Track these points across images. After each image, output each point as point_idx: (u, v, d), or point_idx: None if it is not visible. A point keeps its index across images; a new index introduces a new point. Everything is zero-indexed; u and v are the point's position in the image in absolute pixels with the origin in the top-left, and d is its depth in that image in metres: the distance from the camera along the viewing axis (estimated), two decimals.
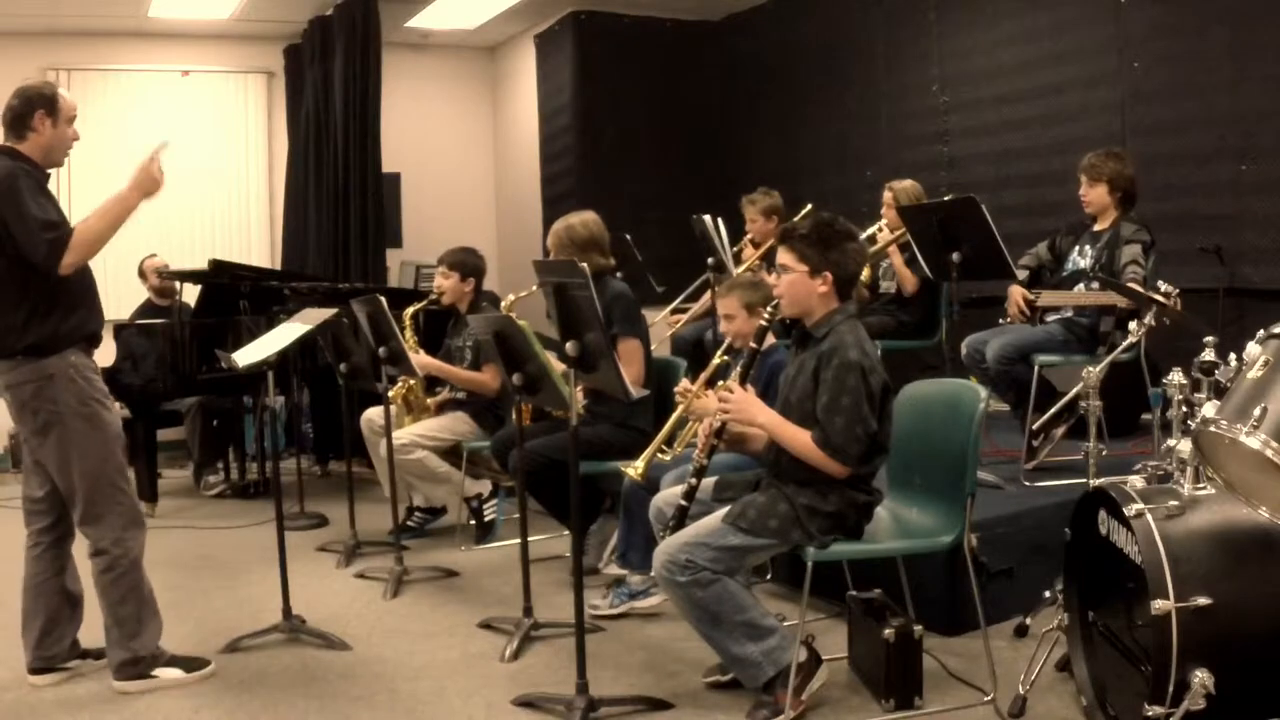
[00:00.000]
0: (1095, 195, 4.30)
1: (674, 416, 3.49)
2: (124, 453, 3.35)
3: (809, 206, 5.08)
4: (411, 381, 4.96)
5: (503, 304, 4.66)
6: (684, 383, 3.46)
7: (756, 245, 5.57)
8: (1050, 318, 4.33)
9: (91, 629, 3.40)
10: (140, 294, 6.78)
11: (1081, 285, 4.28)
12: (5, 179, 3.13)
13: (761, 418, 2.96)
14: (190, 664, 3.36)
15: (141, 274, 6.71)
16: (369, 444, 5.02)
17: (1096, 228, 4.34)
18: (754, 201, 5.67)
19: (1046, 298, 4.26)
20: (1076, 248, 4.38)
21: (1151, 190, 4.98)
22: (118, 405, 3.51)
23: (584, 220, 4.36)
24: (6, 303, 3.17)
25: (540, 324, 3.57)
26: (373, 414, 4.94)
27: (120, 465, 3.30)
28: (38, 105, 3.20)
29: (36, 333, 3.16)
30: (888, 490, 3.17)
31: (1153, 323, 3.17)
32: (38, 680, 3.32)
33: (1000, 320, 4.44)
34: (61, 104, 3.24)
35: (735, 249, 5.37)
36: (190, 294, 6.53)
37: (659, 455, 3.54)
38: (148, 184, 3.25)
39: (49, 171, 3.28)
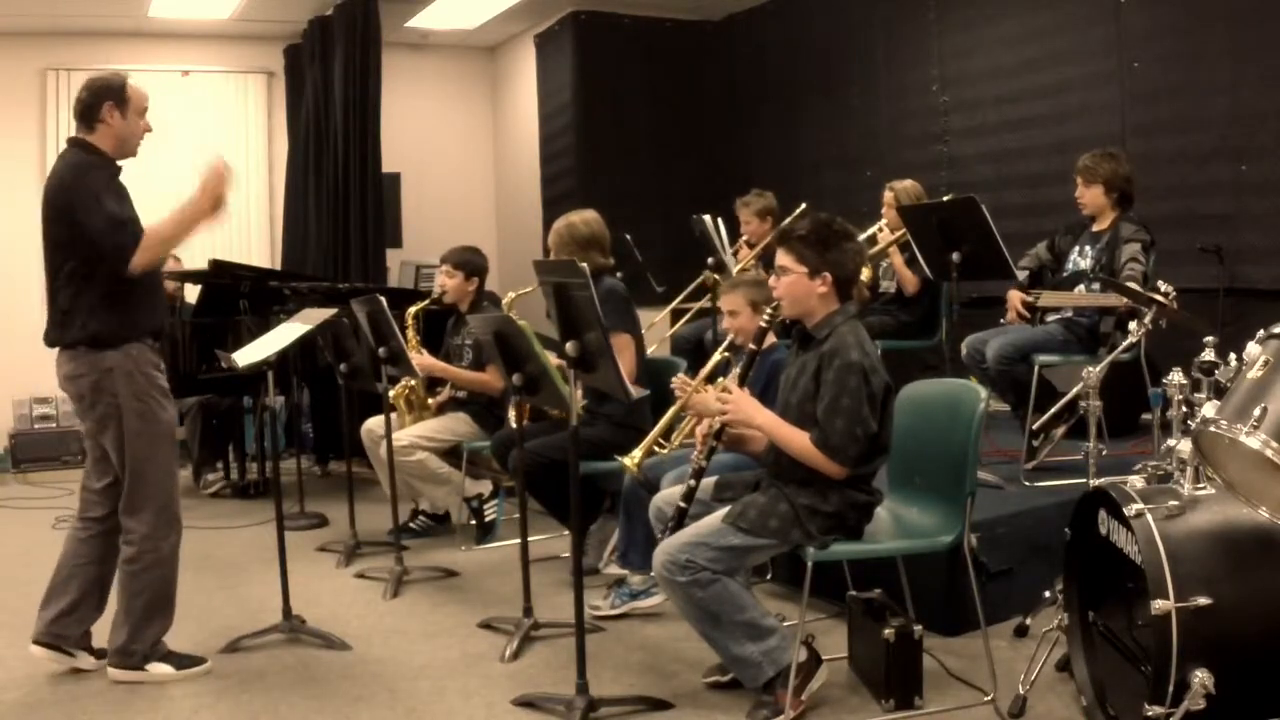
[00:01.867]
0: (1091, 196, 4.30)
1: (672, 410, 3.49)
2: (175, 451, 3.37)
3: (803, 206, 5.08)
4: (413, 381, 4.96)
5: (504, 302, 4.66)
6: (680, 376, 3.45)
7: (752, 247, 5.57)
8: (1050, 318, 4.33)
9: (104, 624, 3.40)
10: None
11: (1082, 286, 4.28)
12: (77, 174, 3.17)
13: (759, 419, 2.96)
14: (183, 661, 3.37)
15: None
16: (370, 453, 5.01)
17: (1095, 228, 4.34)
18: (748, 204, 5.68)
19: (1047, 298, 4.26)
20: (1076, 248, 4.38)
21: (1151, 190, 4.98)
22: None
23: (585, 219, 4.37)
24: (71, 295, 3.20)
25: (540, 324, 3.57)
26: (373, 424, 4.93)
27: (166, 464, 3.32)
28: (106, 97, 3.23)
29: (99, 325, 3.18)
30: (888, 490, 3.17)
31: (1150, 325, 3.17)
32: (37, 652, 3.33)
33: (1001, 320, 4.44)
34: (131, 95, 3.27)
35: (732, 250, 5.37)
36: (190, 294, 6.54)
37: (656, 449, 3.55)
38: (217, 189, 3.27)
39: (120, 164, 3.30)
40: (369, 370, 4.61)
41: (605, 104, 7.77)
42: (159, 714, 3.12)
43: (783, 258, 2.99)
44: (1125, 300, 3.68)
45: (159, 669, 3.32)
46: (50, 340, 3.31)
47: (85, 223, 3.13)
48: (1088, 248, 4.33)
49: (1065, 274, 4.39)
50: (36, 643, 3.35)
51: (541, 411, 4.50)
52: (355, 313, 4.52)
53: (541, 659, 3.48)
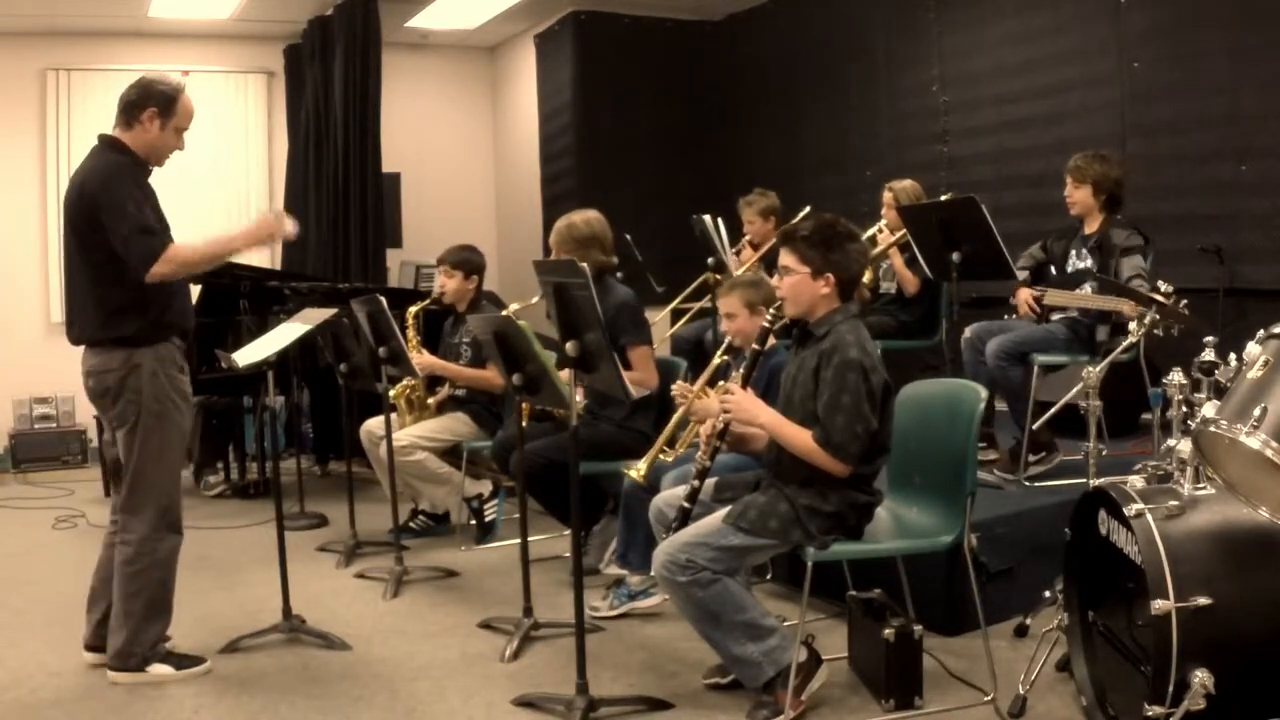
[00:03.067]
0: (1080, 196, 4.27)
1: (675, 418, 3.49)
2: (182, 456, 3.39)
3: (807, 208, 5.08)
4: (414, 381, 4.96)
5: (504, 313, 4.65)
6: (681, 384, 3.45)
7: (755, 246, 5.57)
8: (1055, 316, 4.30)
9: None
10: None
11: (1088, 286, 4.22)
12: (107, 176, 3.17)
13: (763, 417, 2.96)
14: (182, 661, 3.37)
15: None
16: (369, 453, 5.01)
17: (1086, 231, 4.30)
18: (751, 203, 5.68)
19: (1052, 297, 4.21)
20: (1073, 251, 4.36)
21: (1151, 190, 4.98)
22: None
23: (586, 218, 4.36)
24: (102, 292, 3.20)
25: (540, 324, 3.57)
26: (372, 424, 4.93)
27: (171, 467, 3.33)
28: (152, 102, 3.22)
29: (132, 324, 3.20)
30: (888, 490, 3.17)
31: (1160, 331, 3.15)
32: (90, 657, 3.40)
33: (1006, 316, 4.43)
34: (178, 110, 3.25)
35: (734, 250, 5.37)
36: (191, 293, 6.54)
37: (661, 456, 3.54)
38: (263, 236, 3.39)
39: (150, 167, 3.31)
40: (369, 370, 4.61)
41: (605, 104, 7.77)
42: (159, 714, 3.12)
43: (786, 258, 3.00)
44: (1129, 306, 3.66)
45: (159, 670, 3.32)
46: (77, 338, 3.30)
47: (112, 227, 3.13)
48: (1083, 250, 4.31)
49: (1068, 273, 4.36)
50: (87, 648, 3.42)
51: (545, 413, 4.50)
52: (355, 313, 4.52)
53: (541, 659, 3.48)
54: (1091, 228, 4.29)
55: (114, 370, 3.22)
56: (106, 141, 3.26)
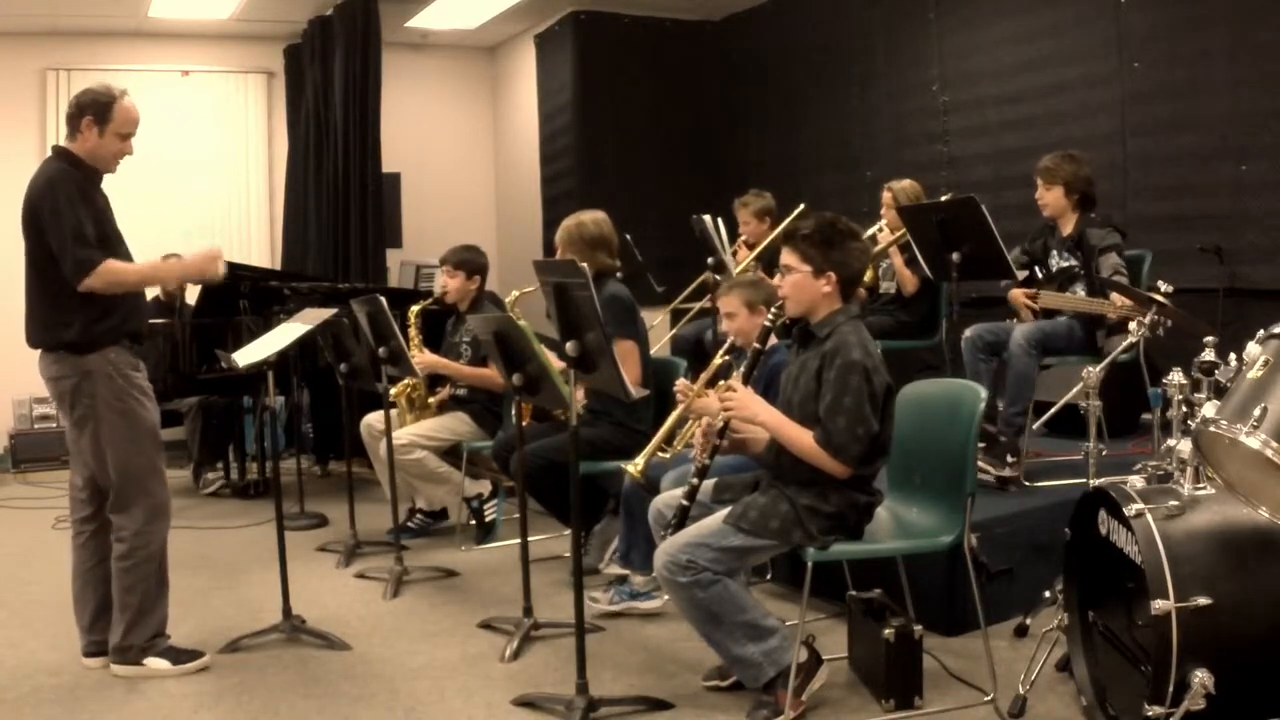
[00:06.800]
0: (1052, 198, 4.26)
1: (674, 415, 3.49)
2: (158, 448, 3.41)
3: (801, 207, 5.08)
4: (414, 380, 4.96)
5: (507, 301, 4.65)
6: (682, 381, 3.45)
7: (751, 247, 5.57)
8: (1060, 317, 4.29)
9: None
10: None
11: (1079, 288, 4.20)
12: (46, 182, 3.20)
13: (764, 416, 2.96)
14: (179, 656, 3.39)
15: None
16: (369, 448, 5.01)
17: (1064, 233, 4.29)
18: (746, 204, 5.69)
19: (1045, 299, 4.21)
20: (1053, 250, 4.35)
21: (1151, 190, 4.98)
22: None
23: (595, 218, 4.36)
24: (49, 298, 3.23)
25: (540, 324, 3.57)
26: (373, 419, 4.94)
27: (150, 460, 3.36)
28: (88, 110, 3.25)
29: (77, 330, 3.22)
30: (888, 490, 3.17)
31: (1148, 334, 3.14)
32: (91, 663, 3.41)
33: (1007, 319, 4.42)
34: (113, 115, 3.27)
35: (731, 250, 5.37)
36: (191, 294, 6.54)
37: (659, 454, 3.54)
38: (194, 274, 3.49)
39: (100, 175, 3.33)
40: (369, 370, 4.61)
41: (605, 104, 7.77)
42: (159, 713, 3.12)
43: (787, 257, 2.99)
44: (1121, 306, 3.65)
45: (156, 664, 3.34)
46: (33, 342, 3.34)
47: (49, 231, 3.16)
48: (1065, 250, 4.30)
49: (1053, 272, 4.33)
50: (86, 655, 3.43)
51: (545, 413, 4.50)
52: (355, 313, 4.52)
53: (541, 659, 3.48)
54: (1067, 229, 4.27)
55: (67, 377, 3.25)
56: (56, 151, 3.30)
